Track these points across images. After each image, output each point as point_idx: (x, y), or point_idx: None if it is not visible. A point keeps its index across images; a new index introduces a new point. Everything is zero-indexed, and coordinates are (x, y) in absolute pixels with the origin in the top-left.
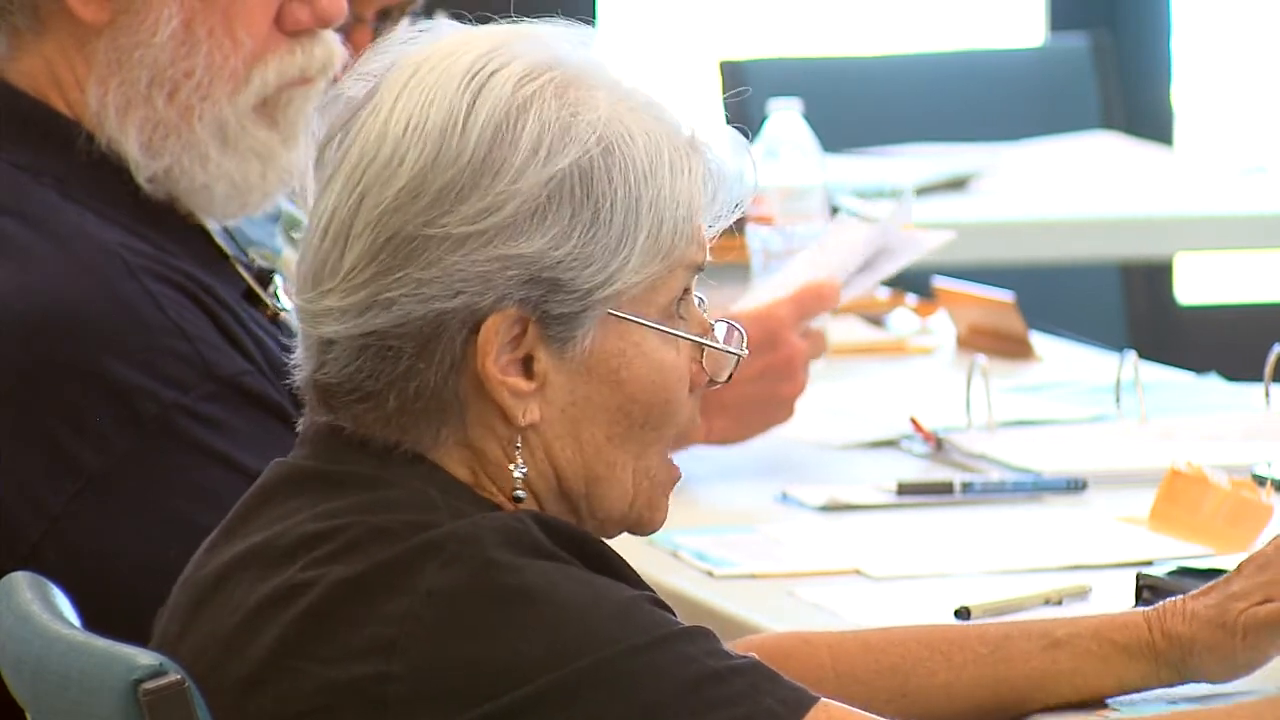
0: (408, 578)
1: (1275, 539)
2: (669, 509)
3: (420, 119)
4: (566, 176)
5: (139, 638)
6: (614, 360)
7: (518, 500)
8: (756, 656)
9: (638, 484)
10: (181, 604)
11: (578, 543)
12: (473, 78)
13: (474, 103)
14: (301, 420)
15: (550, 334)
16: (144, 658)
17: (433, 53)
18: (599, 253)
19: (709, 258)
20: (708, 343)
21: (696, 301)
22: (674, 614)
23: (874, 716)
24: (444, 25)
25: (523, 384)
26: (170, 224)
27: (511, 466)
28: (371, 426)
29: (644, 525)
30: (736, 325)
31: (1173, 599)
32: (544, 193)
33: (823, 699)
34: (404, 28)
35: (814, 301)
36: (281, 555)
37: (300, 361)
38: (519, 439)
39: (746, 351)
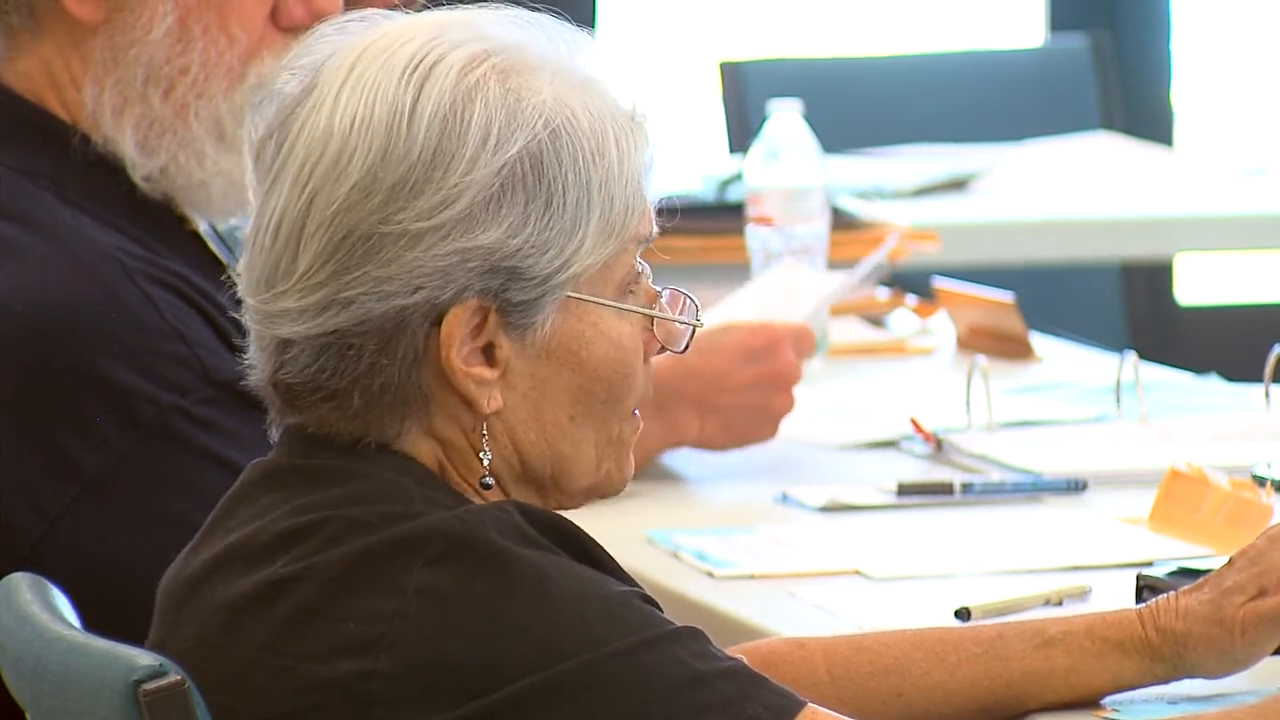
0: (393, 575)
1: (1266, 532)
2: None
3: (365, 114)
4: (518, 163)
5: (139, 638)
6: (574, 342)
7: (486, 487)
8: (745, 659)
9: (602, 453)
10: (165, 606)
11: (561, 532)
12: (414, 70)
13: (418, 96)
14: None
15: (511, 321)
16: (144, 658)
17: (369, 46)
18: (555, 237)
19: (655, 230)
20: (666, 316)
21: (642, 270)
22: (661, 609)
23: None
24: (374, 14)
25: (486, 372)
26: (165, 227)
27: (481, 455)
28: (336, 424)
29: (613, 486)
30: (685, 292)
31: (1166, 595)
32: (497, 182)
33: (809, 704)
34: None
35: (807, 340)
36: (261, 552)
37: (256, 362)
38: (484, 426)
39: (701, 322)
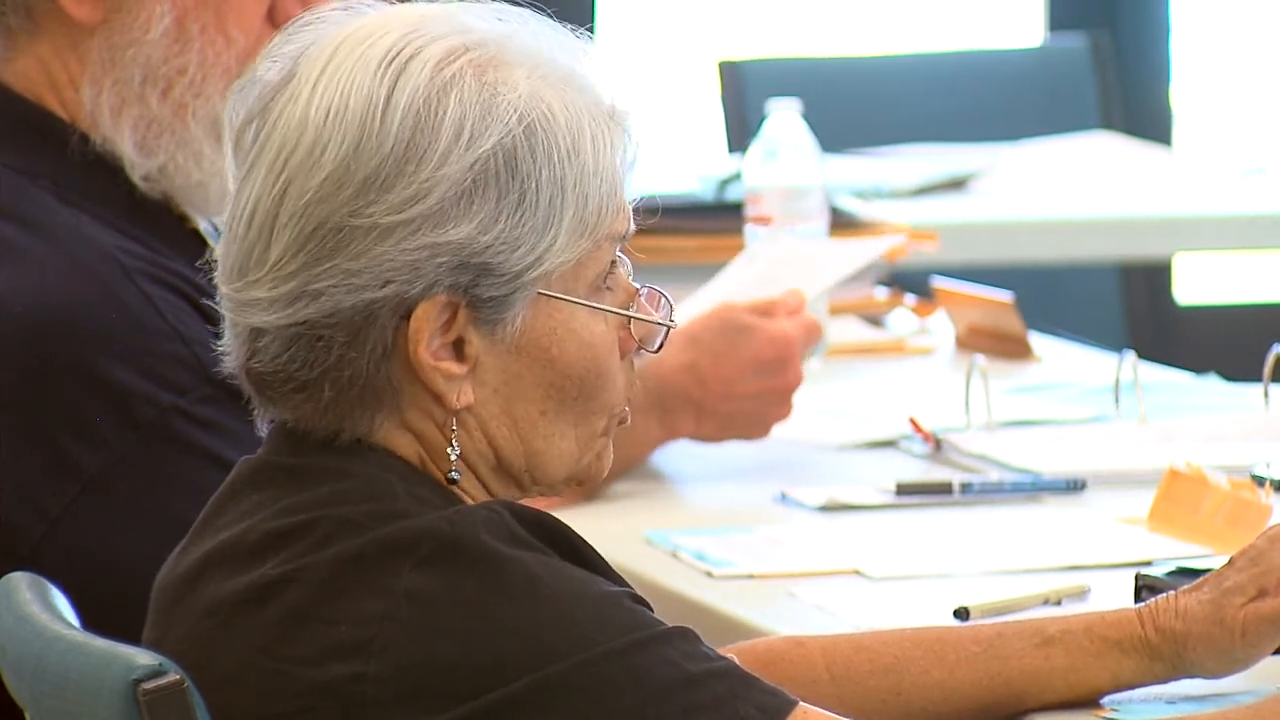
0: (383, 577)
1: (1266, 532)
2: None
3: (340, 106)
4: (491, 159)
5: (138, 638)
6: (545, 339)
7: (452, 482)
8: (735, 659)
9: (583, 445)
10: (159, 606)
11: (551, 532)
12: (390, 63)
13: (393, 89)
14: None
15: (481, 317)
16: (144, 658)
17: (348, 36)
18: (527, 235)
19: (631, 226)
20: (636, 315)
21: (622, 268)
22: (651, 608)
23: None
24: (357, 4)
25: (455, 367)
26: (164, 225)
27: (448, 450)
28: (310, 417)
29: (592, 477)
30: (661, 291)
31: (1165, 595)
32: (469, 177)
33: (801, 703)
34: (323, 7)
35: (815, 335)
36: (251, 552)
37: (230, 349)
38: (454, 421)
39: (674, 323)
